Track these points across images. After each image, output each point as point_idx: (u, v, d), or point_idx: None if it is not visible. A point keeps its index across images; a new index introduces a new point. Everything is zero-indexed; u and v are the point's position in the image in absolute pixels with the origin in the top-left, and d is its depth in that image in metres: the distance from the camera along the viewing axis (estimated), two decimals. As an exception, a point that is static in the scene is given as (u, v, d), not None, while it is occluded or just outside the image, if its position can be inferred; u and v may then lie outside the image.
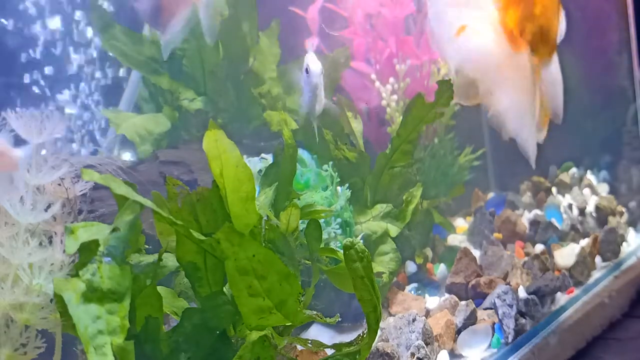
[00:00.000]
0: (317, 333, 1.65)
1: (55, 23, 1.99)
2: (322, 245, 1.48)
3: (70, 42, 2.04)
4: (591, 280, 2.15)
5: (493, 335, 1.69)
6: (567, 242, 2.34)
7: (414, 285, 1.97)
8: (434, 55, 2.25)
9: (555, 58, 1.85)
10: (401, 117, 1.95)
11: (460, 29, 1.64)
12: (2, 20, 1.87)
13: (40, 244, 1.21)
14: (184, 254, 1.23)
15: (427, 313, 1.79)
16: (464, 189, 2.41)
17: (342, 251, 1.25)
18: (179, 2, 1.70)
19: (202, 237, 1.17)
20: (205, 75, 2.02)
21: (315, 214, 1.50)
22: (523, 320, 1.75)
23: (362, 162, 1.96)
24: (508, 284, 1.89)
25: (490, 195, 2.78)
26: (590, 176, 2.87)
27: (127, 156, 2.00)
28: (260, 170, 1.66)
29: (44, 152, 1.27)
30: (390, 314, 1.82)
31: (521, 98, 1.72)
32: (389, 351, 1.48)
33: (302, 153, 1.82)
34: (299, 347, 1.46)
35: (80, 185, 1.32)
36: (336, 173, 1.79)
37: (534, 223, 2.41)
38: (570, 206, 2.58)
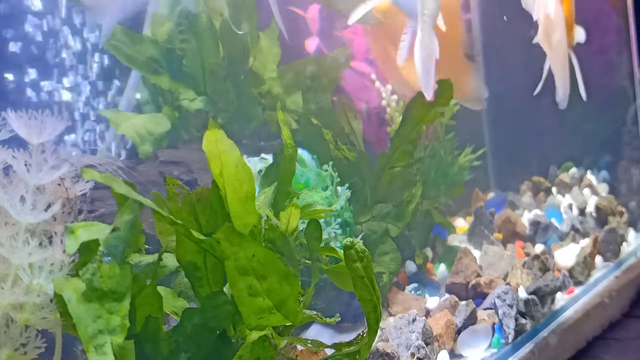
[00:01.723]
0: (317, 333, 1.65)
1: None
2: (322, 245, 1.48)
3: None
4: (591, 280, 2.15)
5: (493, 335, 1.69)
6: (567, 242, 2.34)
7: (414, 285, 1.97)
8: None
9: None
10: (401, 117, 1.95)
11: None
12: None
13: (40, 243, 1.21)
14: (184, 253, 1.23)
15: (427, 313, 1.80)
16: (464, 189, 2.41)
17: (342, 250, 1.25)
18: None
19: (202, 237, 1.17)
20: (205, 75, 2.02)
21: (315, 213, 1.50)
22: (523, 320, 1.75)
23: (362, 162, 1.96)
24: (508, 284, 1.89)
25: (490, 195, 2.78)
26: (590, 176, 2.87)
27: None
28: (260, 170, 1.66)
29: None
30: (390, 314, 1.82)
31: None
32: (389, 351, 1.48)
33: (302, 153, 1.82)
34: (299, 347, 1.46)
35: (80, 185, 1.32)
36: (336, 173, 1.79)
37: (534, 223, 2.41)
38: (570, 206, 2.59)
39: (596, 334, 2.04)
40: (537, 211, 2.60)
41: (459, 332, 1.69)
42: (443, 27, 1.77)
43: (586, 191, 2.74)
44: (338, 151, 1.91)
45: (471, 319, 1.72)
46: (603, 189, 2.81)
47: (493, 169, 2.89)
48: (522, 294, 1.86)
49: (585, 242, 2.31)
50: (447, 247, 2.23)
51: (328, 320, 1.33)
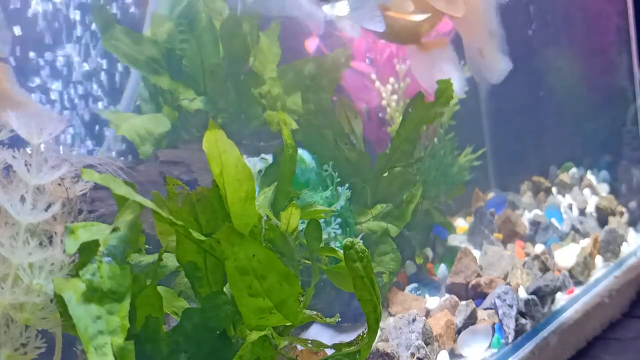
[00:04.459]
0: (317, 333, 1.65)
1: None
2: (322, 245, 1.48)
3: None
4: (591, 280, 2.15)
5: (493, 335, 1.69)
6: (567, 242, 2.34)
7: (414, 285, 1.97)
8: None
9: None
10: (401, 117, 1.95)
11: None
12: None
13: (41, 243, 1.21)
14: (184, 253, 1.23)
15: (427, 313, 1.79)
16: (464, 189, 2.41)
17: (342, 251, 1.25)
18: None
19: (202, 237, 1.17)
20: (205, 75, 2.02)
21: (315, 213, 1.50)
22: (523, 321, 1.75)
23: (362, 162, 1.96)
24: (508, 284, 1.89)
25: (491, 195, 2.78)
26: (590, 176, 2.87)
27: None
28: (260, 170, 1.66)
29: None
30: (390, 314, 1.82)
31: None
32: (389, 351, 1.48)
33: (302, 153, 1.82)
34: (299, 347, 1.46)
35: (80, 185, 1.32)
36: (336, 173, 1.79)
37: (534, 223, 2.41)
38: (570, 206, 2.58)
39: (596, 334, 2.04)
40: (537, 211, 2.60)
41: (459, 332, 1.69)
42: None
43: (586, 191, 2.75)
44: (338, 151, 1.91)
45: (471, 319, 1.72)
46: (603, 189, 2.81)
47: (493, 169, 2.89)
48: (522, 294, 1.86)
49: (586, 242, 2.31)
50: (447, 247, 2.23)
51: (328, 320, 1.33)
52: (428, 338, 1.57)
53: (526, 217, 2.53)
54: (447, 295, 1.86)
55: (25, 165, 1.22)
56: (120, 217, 1.15)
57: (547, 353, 1.77)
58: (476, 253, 2.07)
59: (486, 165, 2.80)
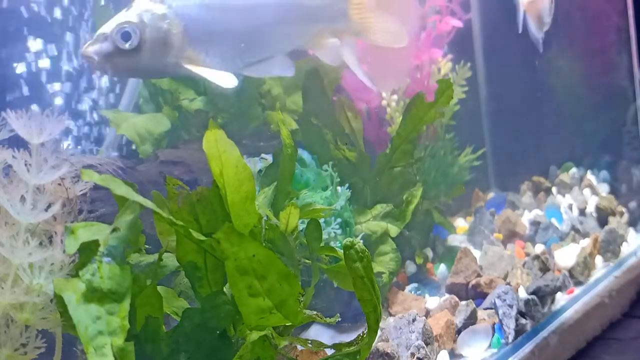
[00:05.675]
0: (317, 333, 1.65)
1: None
2: (322, 245, 1.48)
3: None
4: (591, 280, 2.15)
5: (493, 335, 1.69)
6: (567, 242, 2.34)
7: (414, 285, 1.97)
8: (434, 55, 2.25)
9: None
10: (401, 117, 1.95)
11: None
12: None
13: (41, 243, 1.21)
14: (184, 253, 1.23)
15: (427, 313, 1.80)
16: (464, 189, 2.41)
17: (342, 250, 1.25)
18: None
19: (202, 237, 1.18)
20: (205, 75, 2.02)
21: (315, 213, 1.50)
22: (523, 321, 1.75)
23: (362, 162, 1.96)
24: (508, 284, 1.89)
25: (491, 195, 2.78)
26: (590, 176, 2.87)
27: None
28: (260, 170, 1.66)
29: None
30: (390, 314, 1.82)
31: None
32: (389, 351, 1.48)
33: (302, 153, 1.82)
34: (299, 347, 1.46)
35: (80, 185, 1.32)
36: (336, 173, 1.79)
37: (534, 223, 2.41)
38: (570, 206, 2.59)
39: (596, 334, 2.04)
40: (537, 211, 2.60)
41: (459, 332, 1.69)
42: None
43: (586, 191, 2.75)
44: (338, 151, 1.91)
45: (471, 319, 1.72)
46: (603, 189, 2.81)
47: (493, 169, 2.89)
48: (522, 294, 1.86)
49: (586, 242, 2.31)
50: (447, 247, 2.23)
51: (328, 320, 1.33)
52: (428, 338, 1.57)
53: (526, 217, 2.53)
54: (447, 295, 1.86)
55: (25, 165, 1.22)
56: (120, 217, 1.15)
57: (547, 353, 1.77)
58: (476, 253, 2.07)
59: (486, 165, 2.80)
